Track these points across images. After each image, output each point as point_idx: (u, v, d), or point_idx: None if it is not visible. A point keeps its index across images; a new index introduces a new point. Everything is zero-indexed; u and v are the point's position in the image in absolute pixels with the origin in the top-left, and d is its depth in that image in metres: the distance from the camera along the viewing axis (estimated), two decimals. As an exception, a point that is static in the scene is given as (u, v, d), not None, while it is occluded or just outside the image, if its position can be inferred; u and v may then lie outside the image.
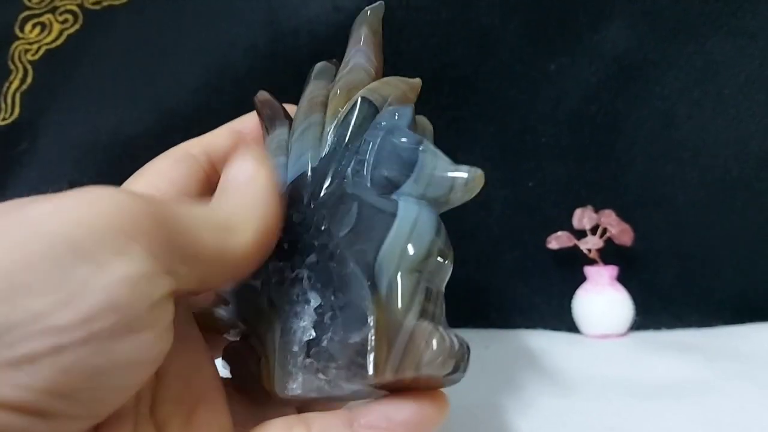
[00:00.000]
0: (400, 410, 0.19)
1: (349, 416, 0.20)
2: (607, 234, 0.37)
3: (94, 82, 0.36)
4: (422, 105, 0.37)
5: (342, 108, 0.23)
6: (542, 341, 0.36)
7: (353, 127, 0.22)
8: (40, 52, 0.37)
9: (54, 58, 0.37)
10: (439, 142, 0.39)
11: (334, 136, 0.22)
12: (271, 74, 0.35)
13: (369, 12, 0.25)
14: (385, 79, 0.23)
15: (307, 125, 0.23)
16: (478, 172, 0.20)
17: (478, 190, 0.20)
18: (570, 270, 0.38)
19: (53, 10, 0.38)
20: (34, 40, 0.37)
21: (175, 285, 0.17)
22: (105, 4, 0.37)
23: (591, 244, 0.37)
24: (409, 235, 0.19)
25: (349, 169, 0.21)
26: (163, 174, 0.23)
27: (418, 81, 0.24)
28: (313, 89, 0.24)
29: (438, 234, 0.20)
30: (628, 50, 0.37)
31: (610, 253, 0.37)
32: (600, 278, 0.37)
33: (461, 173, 0.20)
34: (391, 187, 0.20)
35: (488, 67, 0.37)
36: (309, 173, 0.22)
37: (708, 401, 0.27)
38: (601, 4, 0.37)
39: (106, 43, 0.37)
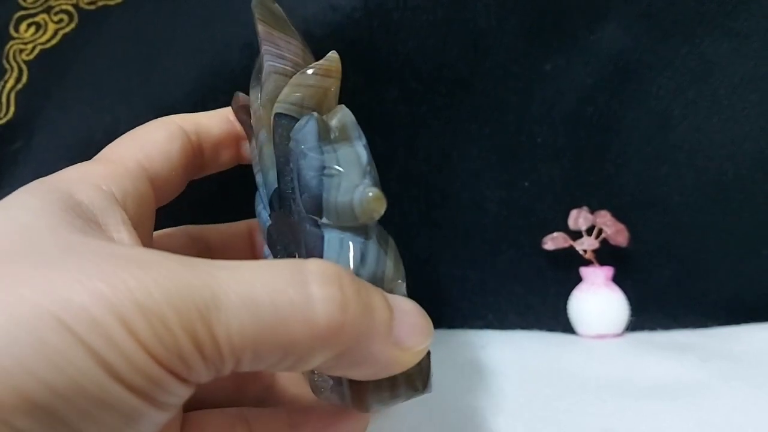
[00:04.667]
0: (337, 422, 0.21)
1: (288, 419, 0.21)
2: (603, 235, 0.37)
3: (89, 82, 0.36)
4: (419, 106, 0.38)
5: (269, 125, 0.22)
6: (538, 342, 0.36)
7: (280, 146, 0.21)
8: (35, 52, 0.37)
9: (49, 58, 0.37)
10: (435, 144, 0.39)
11: (274, 156, 0.22)
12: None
13: (253, 5, 0.23)
14: (293, 79, 0.22)
15: (261, 142, 0.22)
16: (369, 195, 0.19)
17: (380, 210, 0.19)
18: (565, 271, 0.38)
19: (48, 10, 0.38)
20: (28, 39, 0.37)
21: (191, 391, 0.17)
22: (100, 3, 0.37)
23: (586, 244, 0.37)
24: None
25: (296, 193, 0.21)
26: (158, 145, 0.23)
27: (329, 61, 0.21)
28: (253, 99, 0.23)
29: (363, 263, 0.20)
30: (623, 51, 0.37)
31: (605, 254, 0.37)
32: (595, 279, 0.37)
33: (356, 197, 0.19)
34: (316, 217, 0.20)
35: (484, 67, 0.37)
36: (277, 194, 0.22)
37: (703, 401, 0.27)
38: (596, 5, 0.37)
39: (101, 43, 0.37)
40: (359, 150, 0.20)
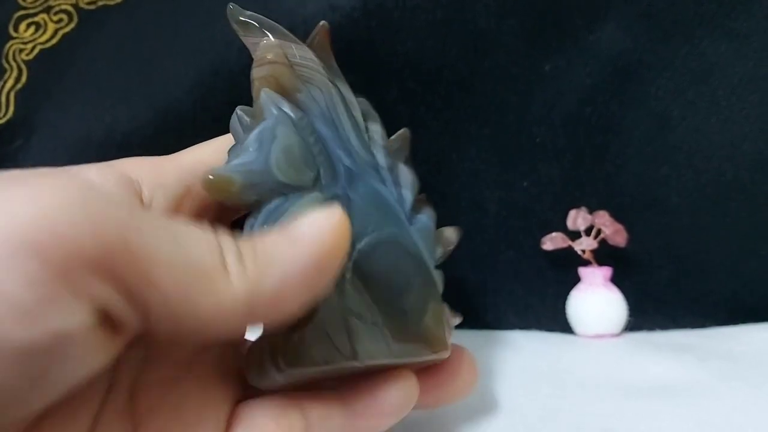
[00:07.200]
0: (389, 394, 0.20)
1: (342, 400, 0.21)
2: (601, 235, 0.37)
3: (88, 82, 0.36)
4: (418, 107, 0.38)
5: None
6: (537, 342, 0.36)
7: None
8: (35, 52, 0.37)
9: (48, 58, 0.37)
10: (434, 144, 0.39)
11: None
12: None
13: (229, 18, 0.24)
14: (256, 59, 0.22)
15: None
16: (208, 177, 0.19)
17: (218, 194, 0.19)
18: (564, 271, 0.38)
19: (48, 10, 0.38)
20: (28, 39, 0.37)
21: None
22: (99, 3, 0.37)
23: (585, 245, 0.37)
24: None
25: None
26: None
27: (259, 50, 0.21)
28: None
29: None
30: (623, 51, 0.37)
31: (604, 254, 0.37)
32: (594, 279, 0.37)
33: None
34: None
35: (484, 68, 0.37)
36: None
37: (702, 402, 0.27)
38: (596, 6, 0.37)
39: (100, 43, 0.37)
40: (254, 133, 0.20)
